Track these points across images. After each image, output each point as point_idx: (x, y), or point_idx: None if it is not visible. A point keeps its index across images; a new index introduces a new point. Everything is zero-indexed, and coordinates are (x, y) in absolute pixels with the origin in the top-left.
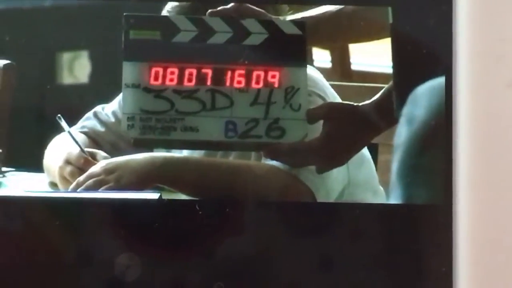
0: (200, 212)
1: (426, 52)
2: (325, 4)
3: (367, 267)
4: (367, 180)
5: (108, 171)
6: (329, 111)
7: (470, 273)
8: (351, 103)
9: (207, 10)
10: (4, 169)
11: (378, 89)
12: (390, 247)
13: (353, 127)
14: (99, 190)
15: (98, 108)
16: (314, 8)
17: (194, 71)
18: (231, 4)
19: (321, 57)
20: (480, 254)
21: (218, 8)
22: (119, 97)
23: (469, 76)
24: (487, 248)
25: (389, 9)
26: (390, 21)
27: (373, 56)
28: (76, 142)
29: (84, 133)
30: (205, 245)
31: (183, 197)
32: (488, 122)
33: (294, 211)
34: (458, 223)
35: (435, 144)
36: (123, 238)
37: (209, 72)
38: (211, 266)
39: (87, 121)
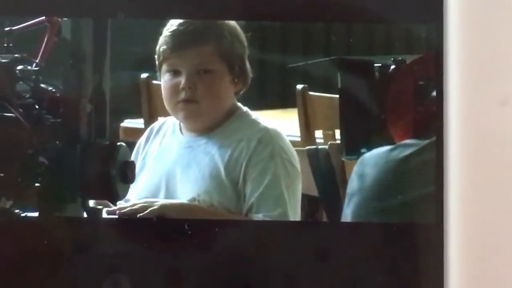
0: (189, 232)
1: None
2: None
3: (356, 287)
4: None
5: None
6: None
7: None
8: None
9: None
10: None
11: None
12: (380, 266)
13: None
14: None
15: None
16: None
17: None
18: None
19: None
20: (470, 273)
21: None
22: None
23: (460, 95)
24: (477, 268)
25: None
26: None
27: None
28: None
29: None
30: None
31: None
32: (481, 141)
33: (283, 230)
34: (449, 243)
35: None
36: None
37: None
38: (201, 282)
39: None
